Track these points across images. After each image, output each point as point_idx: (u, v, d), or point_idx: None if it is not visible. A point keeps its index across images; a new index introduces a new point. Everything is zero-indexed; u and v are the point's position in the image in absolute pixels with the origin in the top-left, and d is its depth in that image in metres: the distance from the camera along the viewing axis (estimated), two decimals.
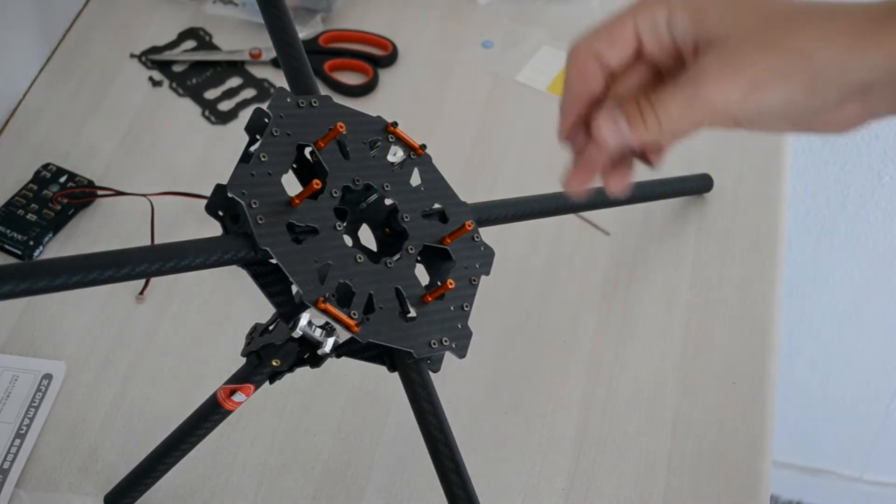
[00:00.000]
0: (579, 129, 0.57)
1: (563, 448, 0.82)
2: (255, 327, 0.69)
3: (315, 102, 0.67)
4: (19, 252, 0.91)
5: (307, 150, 0.67)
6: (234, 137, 1.02)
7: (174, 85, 1.06)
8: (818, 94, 0.50)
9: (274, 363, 0.66)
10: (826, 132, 0.53)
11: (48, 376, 0.84)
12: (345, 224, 0.66)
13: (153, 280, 0.89)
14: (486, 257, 0.71)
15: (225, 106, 1.05)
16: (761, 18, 0.50)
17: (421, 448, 0.68)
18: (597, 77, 0.55)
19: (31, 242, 0.91)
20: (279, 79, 1.04)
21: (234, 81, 1.07)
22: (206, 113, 1.04)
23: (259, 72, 1.08)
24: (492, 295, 0.77)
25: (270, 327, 0.68)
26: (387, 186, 0.68)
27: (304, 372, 0.68)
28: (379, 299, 0.65)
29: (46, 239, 0.92)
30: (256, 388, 0.67)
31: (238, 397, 0.67)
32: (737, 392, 0.86)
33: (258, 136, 0.65)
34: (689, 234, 0.96)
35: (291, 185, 0.65)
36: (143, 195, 0.95)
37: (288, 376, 0.67)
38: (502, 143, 1.03)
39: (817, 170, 1.58)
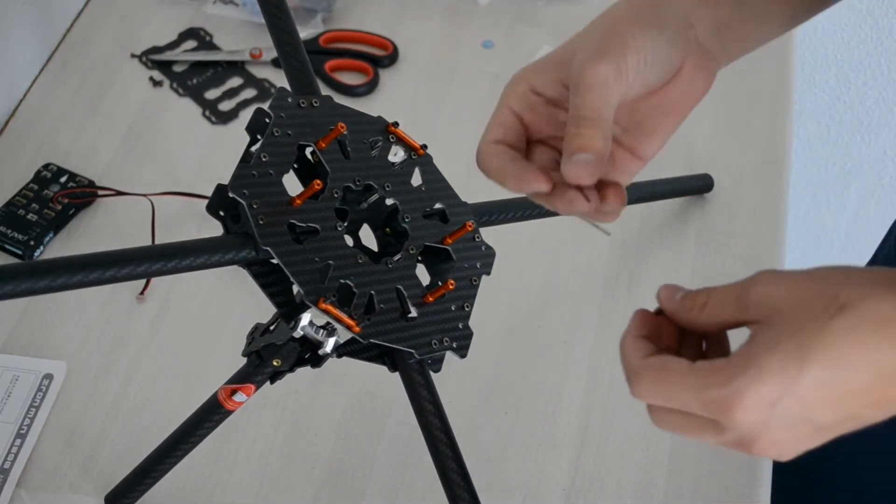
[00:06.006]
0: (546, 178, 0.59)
1: (564, 448, 0.82)
2: (256, 327, 0.69)
3: (316, 102, 0.67)
4: (20, 252, 0.91)
5: (308, 151, 0.67)
6: (234, 137, 1.02)
7: (175, 85, 1.06)
8: (664, 31, 0.57)
9: (275, 363, 0.66)
10: (696, 96, 0.60)
11: (49, 376, 0.84)
12: (345, 224, 0.66)
13: (153, 280, 0.89)
14: (486, 257, 0.71)
15: (225, 106, 1.05)
16: (588, 28, 0.59)
17: (422, 448, 0.68)
18: (508, 151, 0.59)
19: (32, 242, 0.91)
20: (280, 79, 1.04)
21: (235, 81, 1.07)
22: (207, 113, 1.04)
23: (259, 72, 1.08)
24: (493, 295, 0.77)
25: (271, 327, 0.68)
26: (388, 186, 0.68)
27: (304, 372, 0.68)
28: (380, 299, 0.65)
29: (47, 239, 0.92)
30: (257, 388, 0.67)
31: (239, 397, 0.67)
32: None
33: (259, 136, 0.65)
34: (689, 234, 0.96)
35: (292, 185, 0.65)
36: (144, 195, 0.95)
37: (289, 376, 0.67)
38: None
39: (817, 170, 1.59)
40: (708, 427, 0.48)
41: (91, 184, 0.96)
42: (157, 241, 0.92)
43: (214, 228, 0.64)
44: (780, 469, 0.89)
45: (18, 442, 0.80)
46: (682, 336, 0.53)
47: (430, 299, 0.67)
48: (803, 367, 0.45)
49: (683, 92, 0.60)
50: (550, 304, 0.91)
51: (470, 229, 0.69)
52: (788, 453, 0.48)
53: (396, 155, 0.70)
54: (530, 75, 0.60)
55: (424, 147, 0.71)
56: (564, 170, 0.55)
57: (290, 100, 0.66)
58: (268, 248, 0.61)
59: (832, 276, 0.47)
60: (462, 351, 0.68)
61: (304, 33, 1.09)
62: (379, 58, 1.09)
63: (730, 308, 0.50)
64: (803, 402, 0.46)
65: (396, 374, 0.68)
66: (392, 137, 0.70)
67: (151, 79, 1.07)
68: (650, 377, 0.49)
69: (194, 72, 1.08)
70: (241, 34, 1.11)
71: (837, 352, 0.45)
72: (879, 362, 0.45)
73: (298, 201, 0.63)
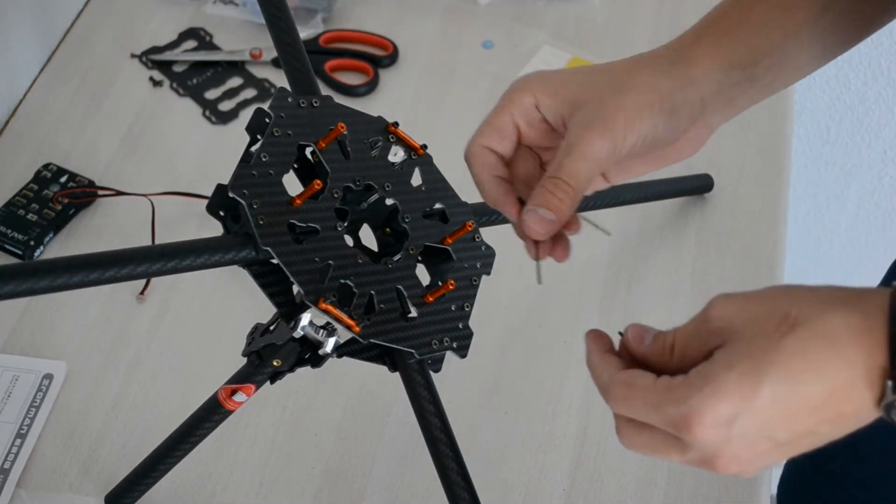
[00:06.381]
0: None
1: (564, 448, 0.82)
2: (256, 327, 0.69)
3: (316, 102, 0.67)
4: (20, 252, 0.91)
5: (308, 151, 0.67)
6: (234, 137, 1.02)
7: (174, 85, 1.06)
8: (673, 118, 0.59)
9: (275, 363, 0.66)
10: (680, 158, 0.63)
11: (49, 376, 0.84)
12: (346, 224, 0.66)
13: (153, 280, 0.89)
14: (486, 257, 0.71)
15: (225, 106, 1.05)
16: (609, 76, 0.60)
17: (422, 448, 0.68)
18: (498, 165, 0.62)
19: (32, 242, 0.91)
20: (280, 79, 1.04)
21: (235, 81, 1.07)
22: (207, 113, 1.04)
23: (259, 72, 1.08)
24: (492, 295, 0.77)
25: (271, 327, 0.68)
26: (388, 186, 0.68)
27: (304, 372, 0.68)
28: (380, 299, 0.65)
29: (47, 239, 0.92)
30: (257, 388, 0.67)
31: (239, 397, 0.67)
32: None
33: (259, 136, 0.65)
34: (689, 234, 0.96)
35: (292, 185, 0.65)
36: (144, 195, 0.95)
37: (289, 376, 0.67)
38: None
39: (817, 170, 1.58)
40: (672, 445, 0.49)
41: (91, 184, 0.96)
42: (157, 241, 0.92)
43: (214, 228, 0.64)
44: (795, 464, 0.88)
45: (18, 442, 0.80)
46: None
47: (430, 299, 0.67)
48: (758, 384, 0.46)
49: (671, 154, 0.63)
50: (550, 304, 0.91)
51: (470, 229, 0.69)
52: (750, 469, 0.49)
53: (396, 155, 0.70)
54: (539, 91, 0.61)
55: (424, 147, 0.71)
56: (524, 217, 0.59)
57: (290, 100, 0.66)
58: (268, 248, 0.61)
59: (783, 295, 0.49)
60: (462, 351, 0.68)
61: (304, 33, 1.09)
62: (379, 58, 1.09)
63: (695, 344, 0.51)
64: (761, 418, 0.47)
65: (396, 374, 0.68)
66: (392, 137, 0.70)
67: (151, 79, 1.07)
68: (618, 392, 0.51)
69: (194, 72, 1.08)
70: (241, 34, 1.11)
71: (791, 369, 0.46)
72: (832, 378, 0.46)
73: (298, 201, 0.63)
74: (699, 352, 0.50)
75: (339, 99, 0.70)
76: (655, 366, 0.52)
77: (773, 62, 0.62)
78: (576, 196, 0.58)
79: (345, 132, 0.66)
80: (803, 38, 0.62)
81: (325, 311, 0.62)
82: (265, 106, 0.65)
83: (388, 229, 0.70)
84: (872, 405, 0.46)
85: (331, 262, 0.64)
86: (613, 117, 0.58)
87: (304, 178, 0.67)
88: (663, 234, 0.96)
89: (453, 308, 0.68)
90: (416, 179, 0.70)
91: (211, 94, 1.06)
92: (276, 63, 1.08)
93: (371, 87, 1.07)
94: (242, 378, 0.67)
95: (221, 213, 0.64)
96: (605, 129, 0.58)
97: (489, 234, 0.72)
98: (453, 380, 0.83)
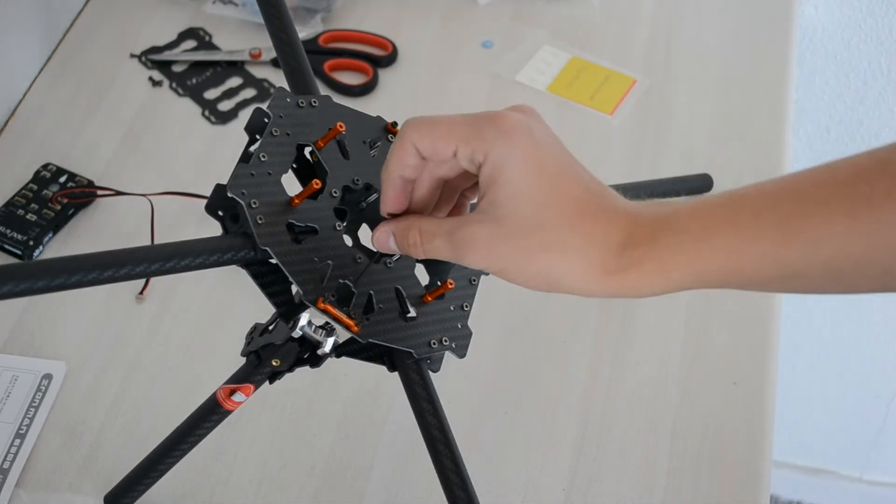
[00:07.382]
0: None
1: (563, 448, 0.82)
2: (255, 327, 0.69)
3: (315, 102, 0.67)
4: (19, 252, 0.91)
5: (307, 150, 0.67)
6: (233, 137, 1.02)
7: (174, 85, 1.06)
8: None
9: (274, 363, 0.66)
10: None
11: (48, 376, 0.84)
12: (344, 224, 0.66)
13: (153, 280, 0.90)
14: None
15: (225, 106, 1.05)
16: (536, 214, 0.56)
17: (421, 448, 0.68)
18: (412, 168, 0.60)
19: (31, 242, 0.91)
20: (279, 79, 1.04)
21: (234, 81, 1.07)
22: (206, 113, 1.04)
23: (259, 72, 1.08)
24: (492, 295, 0.77)
25: (270, 327, 0.68)
26: None
27: (303, 372, 0.68)
28: (379, 299, 0.65)
29: (46, 239, 0.92)
30: (256, 387, 0.67)
31: (238, 397, 0.67)
32: (737, 392, 0.86)
33: (258, 136, 0.65)
34: None
35: (291, 184, 0.65)
36: (143, 195, 0.95)
37: (288, 376, 0.67)
38: None
39: None
40: None
41: (90, 184, 0.96)
42: (156, 241, 0.92)
43: (214, 228, 0.64)
44: None
45: (18, 442, 0.80)
46: None
47: (429, 299, 0.67)
48: None
49: None
50: (550, 303, 0.91)
51: None
52: None
53: None
54: (519, 151, 0.56)
55: None
56: (379, 229, 0.61)
57: (288, 100, 0.66)
58: (266, 248, 0.61)
59: None
60: (461, 351, 0.68)
61: (304, 33, 1.09)
62: (378, 58, 1.09)
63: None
64: None
65: (395, 374, 0.68)
66: (391, 137, 0.70)
67: (151, 79, 1.07)
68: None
69: (194, 72, 1.08)
70: (241, 34, 1.11)
71: None
72: None
73: (297, 201, 0.63)
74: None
75: (339, 99, 0.70)
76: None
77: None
78: (424, 256, 0.60)
79: (344, 132, 0.66)
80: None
81: (324, 311, 0.62)
82: (264, 106, 0.65)
83: None
84: None
85: (330, 261, 0.64)
86: (498, 260, 0.57)
87: (303, 178, 0.67)
88: None
89: (452, 308, 0.68)
90: None
91: (210, 94, 1.06)
92: (275, 63, 1.08)
93: (370, 86, 1.07)
94: (241, 378, 0.67)
95: (220, 213, 0.64)
96: (485, 259, 0.57)
97: None
98: (453, 380, 0.83)
